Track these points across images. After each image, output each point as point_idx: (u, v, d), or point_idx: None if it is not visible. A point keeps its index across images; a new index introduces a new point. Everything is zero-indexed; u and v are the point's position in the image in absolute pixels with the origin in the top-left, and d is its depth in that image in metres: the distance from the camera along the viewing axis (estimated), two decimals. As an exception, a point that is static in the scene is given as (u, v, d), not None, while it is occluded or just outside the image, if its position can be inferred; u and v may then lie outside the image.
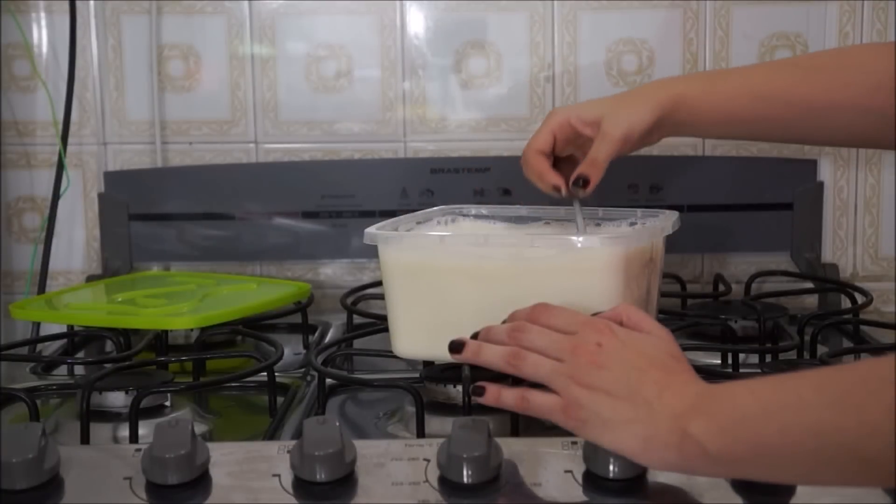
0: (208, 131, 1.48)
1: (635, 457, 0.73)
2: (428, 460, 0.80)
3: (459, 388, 0.96)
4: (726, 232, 1.45)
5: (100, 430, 0.95)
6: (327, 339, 1.31)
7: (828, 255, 1.49)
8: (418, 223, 1.12)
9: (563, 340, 0.79)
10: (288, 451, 0.79)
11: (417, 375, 1.02)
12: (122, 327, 1.20)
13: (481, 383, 0.83)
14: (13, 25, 1.45)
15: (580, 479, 0.78)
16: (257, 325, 1.28)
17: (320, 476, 0.76)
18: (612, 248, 0.95)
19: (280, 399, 1.05)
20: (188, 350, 1.21)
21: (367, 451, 0.81)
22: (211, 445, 0.80)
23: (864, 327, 1.28)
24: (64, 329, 1.25)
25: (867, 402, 0.64)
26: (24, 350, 1.22)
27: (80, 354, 1.29)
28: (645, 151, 1.41)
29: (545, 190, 1.07)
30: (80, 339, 1.28)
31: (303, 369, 1.16)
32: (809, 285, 1.44)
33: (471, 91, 1.47)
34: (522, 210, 1.16)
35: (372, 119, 1.48)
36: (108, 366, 1.05)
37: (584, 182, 1.02)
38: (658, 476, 0.77)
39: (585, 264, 0.95)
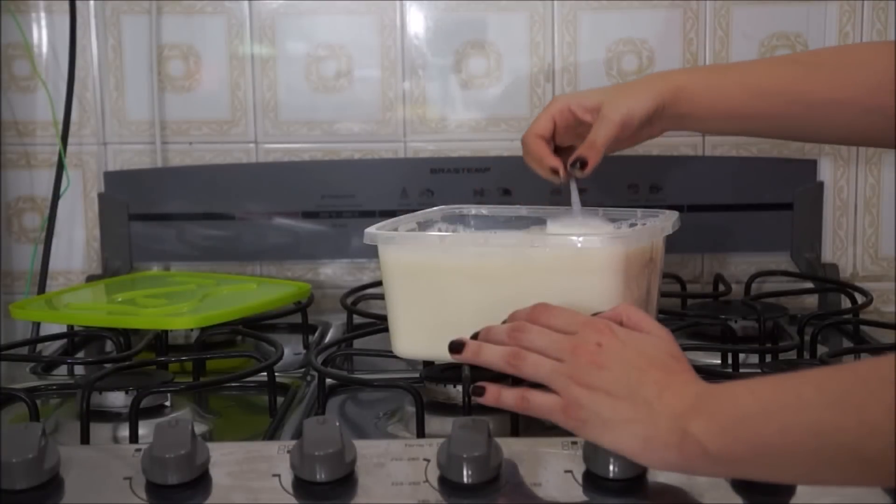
0: (208, 131, 1.48)
1: (635, 457, 0.73)
2: (428, 460, 0.80)
3: (459, 388, 0.96)
4: (726, 232, 1.45)
5: (100, 430, 0.95)
6: (327, 339, 1.31)
7: (828, 255, 1.49)
8: (418, 223, 1.12)
9: (563, 340, 0.79)
10: (288, 451, 0.79)
11: (417, 375, 1.02)
12: (122, 327, 1.19)
13: (481, 383, 0.83)
14: (13, 25, 1.45)
15: (580, 479, 0.78)
16: (257, 325, 1.28)
17: (320, 476, 0.76)
18: (612, 248, 0.95)
19: (280, 399, 1.05)
20: (188, 350, 1.21)
21: (367, 451, 0.81)
22: (211, 445, 0.80)
23: (864, 327, 1.28)
24: (64, 329, 1.25)
25: (867, 402, 0.64)
26: (24, 350, 1.22)
27: (80, 354, 1.29)
28: (645, 151, 1.42)
29: (544, 174, 1.07)
30: (80, 339, 1.28)
31: (303, 369, 1.16)
32: (809, 285, 1.44)
33: (471, 91, 1.47)
34: (522, 210, 1.16)
35: (372, 119, 1.48)
36: (108, 366, 1.05)
37: (581, 164, 1.02)
38: (658, 476, 0.77)
39: (585, 264, 0.95)
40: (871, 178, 1.48)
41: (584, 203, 1.08)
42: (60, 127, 1.44)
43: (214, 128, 1.48)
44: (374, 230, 1.02)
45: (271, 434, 0.97)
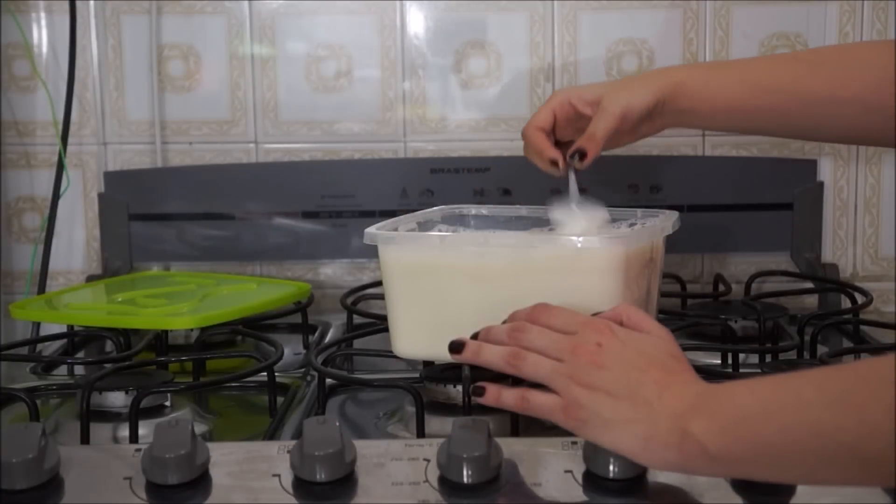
0: (208, 131, 1.48)
1: (635, 457, 0.73)
2: (428, 460, 0.80)
3: (459, 388, 0.96)
4: (726, 232, 1.45)
5: (100, 430, 0.95)
6: (327, 339, 1.31)
7: (828, 255, 1.49)
8: (418, 223, 1.12)
9: (563, 340, 0.79)
10: (288, 451, 0.79)
11: (417, 375, 1.02)
12: (122, 327, 1.19)
13: (481, 383, 0.83)
14: (13, 25, 1.45)
15: (580, 479, 0.78)
16: (257, 325, 1.28)
17: (320, 476, 0.76)
18: (612, 248, 0.95)
19: (280, 399, 1.05)
20: (188, 350, 1.21)
21: (367, 451, 0.81)
22: (211, 445, 0.80)
23: (864, 327, 1.28)
24: (64, 329, 1.25)
25: (867, 402, 0.64)
26: (24, 350, 1.22)
27: (80, 354, 1.29)
28: (645, 151, 1.42)
29: (543, 166, 1.07)
30: (80, 339, 1.28)
31: (303, 369, 1.16)
32: (809, 285, 1.44)
33: (471, 91, 1.47)
34: (522, 210, 1.16)
35: (372, 119, 1.48)
36: (108, 366, 1.05)
37: (581, 155, 1.03)
38: (658, 476, 0.77)
39: (585, 264, 0.95)
40: (871, 178, 1.48)
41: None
42: (60, 127, 1.44)
43: (214, 128, 1.48)
44: (374, 230, 1.02)
45: (271, 434, 0.97)
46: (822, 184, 1.46)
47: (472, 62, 1.47)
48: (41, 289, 1.43)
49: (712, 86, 1.05)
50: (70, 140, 1.45)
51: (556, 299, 0.86)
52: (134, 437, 0.90)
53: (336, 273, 1.50)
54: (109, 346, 1.22)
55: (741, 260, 1.49)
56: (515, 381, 0.84)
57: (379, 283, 1.13)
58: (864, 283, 1.44)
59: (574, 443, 0.81)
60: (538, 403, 0.79)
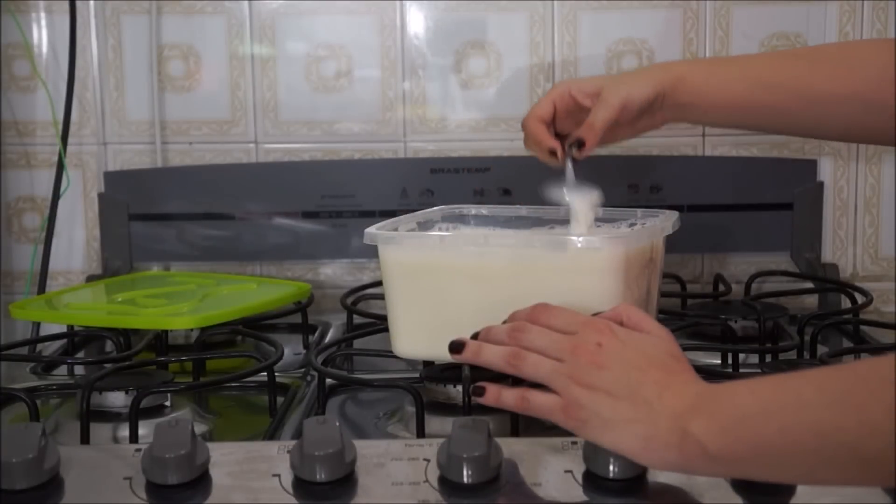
0: (208, 131, 1.48)
1: (635, 457, 0.73)
2: (428, 460, 0.80)
3: (459, 388, 0.96)
4: (726, 232, 1.45)
5: (100, 430, 0.95)
6: (327, 339, 1.31)
7: (828, 255, 1.49)
8: (418, 223, 1.12)
9: (563, 340, 0.79)
10: (288, 451, 0.79)
11: (417, 375, 1.02)
12: (122, 327, 1.20)
13: (481, 383, 0.83)
14: (13, 25, 1.45)
15: (580, 479, 0.78)
16: (257, 325, 1.28)
17: (320, 476, 0.76)
18: (612, 249, 0.95)
19: (280, 399, 1.05)
20: (188, 350, 1.21)
21: (367, 451, 0.81)
22: (211, 445, 0.80)
23: (864, 327, 1.28)
24: (64, 329, 1.25)
25: (867, 402, 0.64)
26: (24, 350, 1.22)
27: (80, 354, 1.29)
28: (645, 151, 1.42)
29: (542, 157, 1.07)
30: (80, 339, 1.28)
31: (303, 369, 1.16)
32: (809, 285, 1.44)
33: (471, 91, 1.47)
34: (522, 210, 1.16)
35: (372, 119, 1.48)
36: (108, 366, 1.05)
37: (580, 145, 1.03)
38: (658, 476, 0.77)
39: (585, 264, 0.95)
40: (871, 178, 1.48)
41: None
42: (60, 127, 1.44)
43: (214, 128, 1.48)
44: (374, 230, 1.02)
45: (271, 434, 0.97)
46: (822, 184, 1.46)
47: (472, 62, 1.47)
48: (41, 289, 1.43)
49: (713, 81, 1.05)
50: (70, 140, 1.45)
51: (555, 299, 0.86)
52: (134, 437, 0.90)
53: (336, 273, 1.50)
54: (109, 346, 1.22)
55: (741, 260, 1.49)
56: (515, 381, 0.84)
57: (379, 283, 1.13)
58: (864, 283, 1.44)
59: (574, 443, 0.81)
60: (538, 403, 0.79)
